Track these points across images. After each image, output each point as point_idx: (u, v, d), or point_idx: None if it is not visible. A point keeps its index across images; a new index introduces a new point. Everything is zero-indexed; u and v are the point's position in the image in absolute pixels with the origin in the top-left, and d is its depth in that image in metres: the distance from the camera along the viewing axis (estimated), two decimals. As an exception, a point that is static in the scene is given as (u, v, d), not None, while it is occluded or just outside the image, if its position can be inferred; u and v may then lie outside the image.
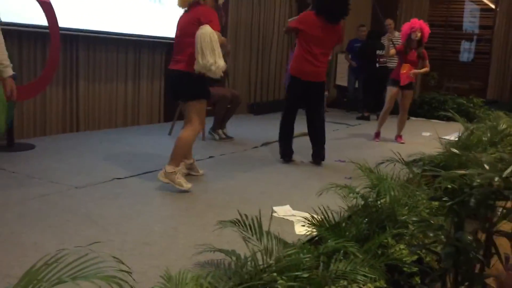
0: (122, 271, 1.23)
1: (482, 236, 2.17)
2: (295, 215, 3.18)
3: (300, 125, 5.06)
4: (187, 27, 3.62)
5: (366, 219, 2.68)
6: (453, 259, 1.92)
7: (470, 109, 8.63)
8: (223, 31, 4.39)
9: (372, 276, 2.07)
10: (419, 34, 5.89)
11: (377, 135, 6.45)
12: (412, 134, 6.76)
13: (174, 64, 3.73)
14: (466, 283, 2.03)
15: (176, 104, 5.65)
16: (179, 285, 1.69)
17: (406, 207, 2.84)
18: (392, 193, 2.71)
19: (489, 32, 10.44)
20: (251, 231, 2.21)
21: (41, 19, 4.75)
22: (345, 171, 4.44)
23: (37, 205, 3.15)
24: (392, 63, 7.87)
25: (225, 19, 7.45)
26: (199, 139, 4.81)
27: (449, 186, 2.17)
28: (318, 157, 4.80)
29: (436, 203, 2.97)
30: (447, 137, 5.61)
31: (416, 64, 6.06)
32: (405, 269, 2.44)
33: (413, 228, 2.55)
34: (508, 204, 2.19)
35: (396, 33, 7.74)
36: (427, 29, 5.97)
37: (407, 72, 5.96)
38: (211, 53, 3.39)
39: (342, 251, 2.21)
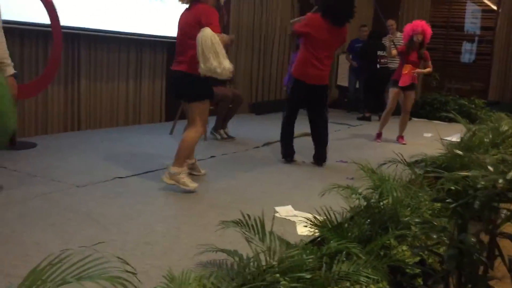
0: (127, 271, 1.23)
1: (485, 238, 2.16)
2: (297, 216, 3.17)
3: (302, 125, 5.06)
4: (188, 27, 3.60)
5: (369, 220, 2.67)
6: (456, 261, 1.92)
7: (472, 110, 8.63)
8: (224, 31, 4.38)
9: (375, 277, 2.06)
10: (420, 37, 5.89)
11: (379, 135, 6.44)
12: (413, 135, 6.75)
13: (176, 65, 3.71)
14: (470, 285, 2.03)
15: (178, 103, 5.64)
16: (182, 285, 1.68)
17: (409, 208, 2.84)
18: (395, 194, 2.70)
19: (491, 33, 10.43)
20: (254, 232, 2.20)
21: (43, 18, 4.74)
22: (346, 171, 4.43)
23: (39, 204, 3.14)
24: (393, 64, 7.87)
25: (227, 18, 7.45)
26: (200, 139, 4.81)
27: (452, 187, 2.16)
28: (320, 158, 4.79)
29: (438, 205, 2.96)
30: (448, 138, 5.60)
31: (417, 64, 6.06)
32: (407, 270, 2.44)
33: (415, 230, 2.55)
34: (512, 206, 2.19)
35: (398, 34, 7.73)
36: (429, 31, 5.96)
37: (408, 72, 5.96)
38: (214, 56, 3.36)
39: (344, 252, 2.20)
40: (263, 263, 2.04)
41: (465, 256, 1.96)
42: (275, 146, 5.41)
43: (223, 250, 2.18)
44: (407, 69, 5.97)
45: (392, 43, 6.23)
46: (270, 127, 6.55)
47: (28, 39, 5.08)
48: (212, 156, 4.82)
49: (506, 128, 5.06)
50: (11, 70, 3.08)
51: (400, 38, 7.12)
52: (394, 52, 6.17)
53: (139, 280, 1.45)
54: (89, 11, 5.56)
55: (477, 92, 9.92)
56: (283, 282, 1.90)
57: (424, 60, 6.10)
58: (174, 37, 3.83)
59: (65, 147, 4.81)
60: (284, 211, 3.28)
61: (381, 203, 2.77)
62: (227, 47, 3.89)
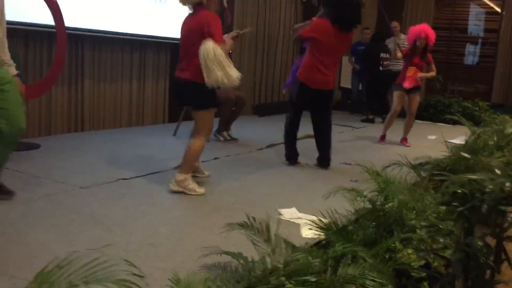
0: (135, 274, 1.22)
1: (492, 242, 2.15)
2: (301, 218, 3.17)
3: (305, 127, 5.05)
4: (191, 34, 3.56)
5: (374, 223, 2.65)
6: (463, 265, 1.90)
7: (476, 112, 8.60)
8: (228, 32, 4.37)
9: (381, 281, 2.05)
10: (424, 42, 5.90)
11: (383, 137, 6.43)
12: (417, 137, 6.74)
13: (180, 72, 3.66)
14: (476, 289, 2.01)
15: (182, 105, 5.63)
16: (188, 288, 1.67)
17: (414, 211, 2.82)
18: (400, 197, 2.68)
19: (494, 36, 10.41)
20: (259, 234, 2.19)
21: (47, 19, 4.74)
22: (350, 173, 4.42)
23: (42, 205, 3.14)
24: (396, 66, 7.87)
25: (231, 19, 7.45)
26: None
27: (459, 190, 2.14)
28: (324, 161, 4.78)
29: (443, 208, 2.94)
30: (453, 141, 5.58)
31: (421, 67, 6.07)
32: (413, 274, 2.42)
33: (421, 233, 2.53)
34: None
35: (402, 36, 7.72)
36: (433, 37, 5.97)
37: (413, 75, 5.95)
38: (218, 67, 3.34)
39: (350, 255, 2.19)
40: (269, 266, 2.03)
41: (471, 259, 1.95)
42: (278, 148, 5.40)
43: (228, 253, 2.17)
44: (411, 72, 5.96)
45: (397, 46, 6.23)
46: (273, 129, 6.54)
47: (32, 40, 5.09)
48: (215, 158, 4.81)
49: (510, 130, 5.02)
50: (13, 71, 3.08)
51: (404, 40, 7.12)
52: (399, 54, 6.17)
53: (148, 284, 1.44)
54: (93, 12, 5.56)
55: (480, 95, 9.90)
56: (289, 285, 1.88)
57: (428, 63, 6.10)
58: (178, 38, 3.81)
59: (68, 148, 4.81)
60: (288, 213, 3.27)
61: (386, 206, 2.75)
62: (232, 47, 3.88)
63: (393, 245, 2.53)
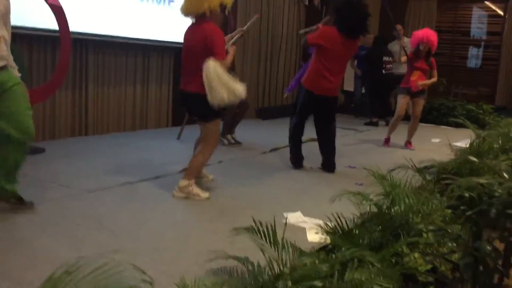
0: (144, 281, 1.21)
1: (500, 246, 2.13)
2: (306, 222, 3.16)
3: (308, 131, 5.03)
4: (193, 48, 3.54)
5: (380, 227, 2.64)
6: (473, 269, 1.89)
7: (480, 115, 8.57)
8: (232, 31, 4.36)
9: (388, 286, 2.03)
10: (426, 47, 5.91)
11: (387, 141, 6.42)
12: (421, 140, 6.72)
13: (185, 84, 3.65)
14: (484, 294, 2.00)
15: (185, 108, 5.63)
16: (195, 293, 1.66)
17: (420, 215, 2.81)
18: (407, 201, 2.67)
19: (497, 38, 10.39)
20: (266, 239, 2.18)
21: (51, 23, 4.75)
22: (355, 177, 4.41)
23: (48, 209, 3.14)
24: (399, 70, 7.85)
25: (234, 23, 7.45)
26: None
27: (466, 194, 2.13)
28: (329, 166, 4.76)
29: (448, 211, 2.93)
30: (457, 144, 5.57)
31: (426, 71, 6.08)
32: (420, 278, 2.41)
33: (428, 237, 2.52)
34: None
35: (406, 39, 7.72)
36: (435, 42, 5.98)
37: (417, 79, 5.96)
38: (222, 87, 3.34)
39: (356, 260, 2.18)
40: (276, 271, 2.02)
41: (480, 264, 1.94)
42: (282, 152, 5.39)
43: (234, 257, 2.16)
44: (416, 76, 5.97)
45: (402, 49, 6.23)
46: (276, 133, 6.53)
47: (37, 45, 5.09)
48: (220, 161, 4.80)
49: (515, 133, 5.02)
50: (16, 74, 3.08)
51: (407, 43, 7.12)
52: (403, 58, 6.18)
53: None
54: (96, 17, 5.57)
55: (483, 98, 9.87)
56: (295, 290, 1.87)
57: (431, 68, 6.10)
58: (181, 42, 3.77)
59: (73, 152, 4.81)
60: (294, 217, 3.25)
61: (392, 210, 2.74)
62: (235, 54, 3.87)
63: (400, 249, 2.52)
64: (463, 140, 6.14)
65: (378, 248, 2.51)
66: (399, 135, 6.46)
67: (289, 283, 1.92)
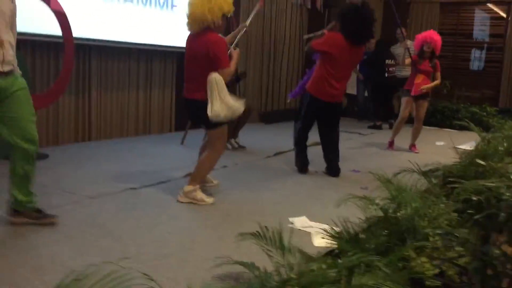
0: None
1: (508, 250, 2.11)
2: (312, 227, 3.14)
3: (312, 135, 5.02)
4: (196, 57, 3.54)
5: (386, 231, 2.62)
6: (482, 273, 1.87)
7: (484, 118, 8.55)
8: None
9: (396, 290, 2.01)
10: (430, 47, 5.91)
11: (391, 144, 6.41)
12: (425, 143, 6.70)
13: (188, 92, 3.64)
14: (493, 298, 1.98)
15: (188, 113, 5.62)
16: (202, 300, 1.65)
17: (426, 219, 2.79)
18: (414, 205, 2.65)
19: (500, 41, 10.36)
20: (272, 244, 2.17)
21: (54, 29, 4.76)
22: (360, 181, 4.40)
23: (52, 216, 3.13)
24: (402, 73, 7.83)
25: (236, 26, 7.45)
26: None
27: (473, 198, 2.12)
28: (333, 171, 4.74)
29: (455, 215, 2.91)
30: (461, 147, 5.55)
31: (429, 74, 6.07)
32: (427, 283, 2.39)
33: (434, 241, 2.50)
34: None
35: (409, 42, 7.69)
36: (439, 43, 5.97)
37: (421, 82, 5.96)
38: (221, 103, 3.39)
39: (363, 265, 2.16)
40: (283, 276, 2.01)
41: (489, 268, 1.92)
42: (286, 156, 5.38)
43: (241, 263, 2.15)
44: (420, 79, 5.97)
45: (407, 51, 6.22)
46: (280, 137, 6.52)
47: (40, 50, 5.10)
48: (224, 166, 4.79)
49: (521, 136, 4.98)
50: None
51: (410, 45, 7.10)
52: (407, 60, 6.16)
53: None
54: (99, 22, 5.57)
55: (487, 100, 9.84)
56: (303, 296, 1.86)
57: (434, 70, 6.09)
58: (184, 47, 3.77)
59: (76, 158, 4.81)
60: (299, 222, 3.24)
61: (398, 214, 2.72)
62: (239, 58, 3.87)
63: (407, 253, 2.50)
64: (467, 142, 6.12)
65: (384, 252, 2.50)
66: (403, 138, 6.44)
67: (296, 289, 1.90)
